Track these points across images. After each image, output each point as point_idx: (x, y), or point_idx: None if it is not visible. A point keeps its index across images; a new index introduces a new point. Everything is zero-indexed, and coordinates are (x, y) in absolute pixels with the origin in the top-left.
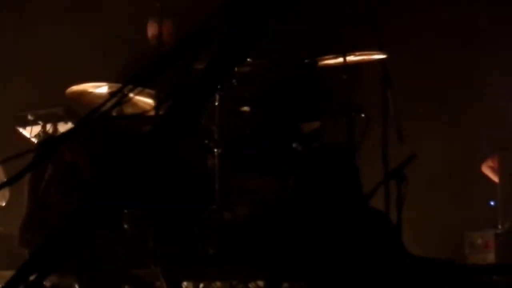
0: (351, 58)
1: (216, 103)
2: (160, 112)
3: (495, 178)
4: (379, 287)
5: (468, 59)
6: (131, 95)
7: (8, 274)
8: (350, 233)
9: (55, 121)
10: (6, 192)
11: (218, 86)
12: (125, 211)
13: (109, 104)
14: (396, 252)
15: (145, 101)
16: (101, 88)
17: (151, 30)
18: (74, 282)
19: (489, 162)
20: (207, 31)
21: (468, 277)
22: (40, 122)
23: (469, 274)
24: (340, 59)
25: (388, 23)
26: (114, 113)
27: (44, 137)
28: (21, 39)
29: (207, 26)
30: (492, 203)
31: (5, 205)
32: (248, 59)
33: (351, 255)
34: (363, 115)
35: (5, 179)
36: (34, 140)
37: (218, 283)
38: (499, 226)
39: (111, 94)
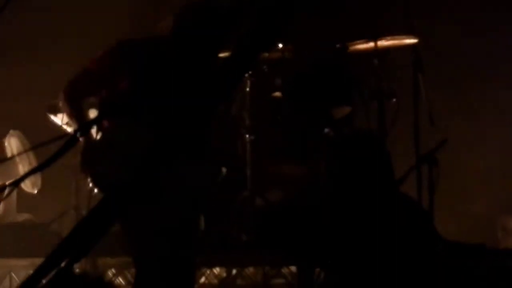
0: (382, 42)
1: (247, 90)
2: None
3: None
4: (412, 272)
5: (498, 44)
6: None
7: (40, 261)
8: (381, 219)
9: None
10: (38, 179)
11: (246, 73)
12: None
13: None
14: (428, 237)
15: None
16: None
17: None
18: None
19: None
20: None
21: (500, 261)
22: None
23: (501, 258)
24: (371, 44)
25: (419, 6)
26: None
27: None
28: (51, 28)
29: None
30: None
31: (37, 193)
32: (279, 45)
33: (383, 240)
34: (394, 100)
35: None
36: (66, 127)
37: (251, 269)
38: None
39: None
